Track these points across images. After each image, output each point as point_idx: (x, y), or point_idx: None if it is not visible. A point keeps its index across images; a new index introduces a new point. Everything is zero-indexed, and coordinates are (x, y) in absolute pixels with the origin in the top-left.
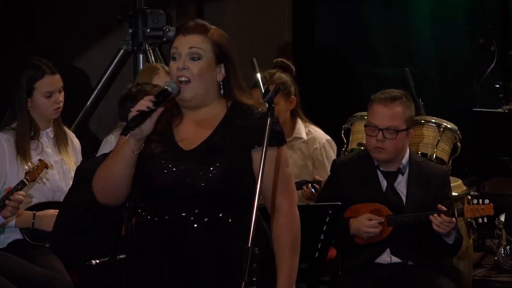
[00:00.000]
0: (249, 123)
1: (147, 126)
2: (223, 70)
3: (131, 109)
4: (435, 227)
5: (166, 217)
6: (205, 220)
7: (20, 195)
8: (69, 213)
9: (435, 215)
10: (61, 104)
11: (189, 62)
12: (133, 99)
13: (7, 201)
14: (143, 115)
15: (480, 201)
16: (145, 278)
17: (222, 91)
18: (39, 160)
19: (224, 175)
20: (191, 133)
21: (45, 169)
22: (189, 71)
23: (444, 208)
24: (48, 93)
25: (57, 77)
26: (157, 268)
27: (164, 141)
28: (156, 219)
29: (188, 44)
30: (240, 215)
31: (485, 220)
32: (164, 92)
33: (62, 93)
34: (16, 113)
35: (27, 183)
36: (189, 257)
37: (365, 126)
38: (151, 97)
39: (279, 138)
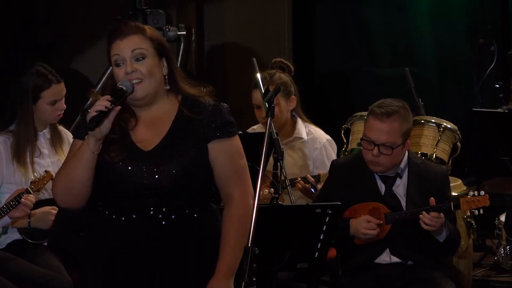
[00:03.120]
0: (202, 117)
1: (105, 126)
2: (165, 63)
3: (89, 110)
4: (423, 225)
5: (133, 216)
6: (172, 217)
7: (29, 200)
8: (67, 212)
9: (424, 213)
10: (63, 111)
11: (136, 64)
12: None
13: (21, 206)
14: (102, 115)
15: (476, 193)
16: (116, 277)
17: (167, 85)
18: (45, 171)
19: (185, 171)
20: (148, 133)
21: (51, 180)
22: (138, 72)
23: (434, 203)
24: (53, 101)
25: (62, 85)
26: (127, 266)
27: (123, 145)
28: (123, 218)
29: (129, 47)
30: (204, 210)
31: (481, 212)
32: (120, 91)
33: (64, 99)
34: (18, 118)
35: (31, 192)
36: (160, 253)
37: (361, 139)
38: (108, 97)
39: (231, 128)
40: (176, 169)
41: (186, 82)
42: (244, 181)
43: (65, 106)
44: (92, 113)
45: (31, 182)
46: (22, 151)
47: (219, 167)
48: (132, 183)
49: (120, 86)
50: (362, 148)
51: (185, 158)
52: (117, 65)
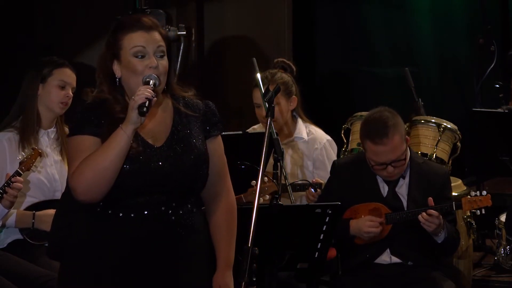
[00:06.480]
0: (198, 113)
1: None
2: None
3: (133, 98)
4: (422, 225)
5: (145, 212)
6: (180, 212)
7: (18, 181)
8: (62, 221)
9: (423, 213)
10: (69, 102)
11: (158, 60)
12: None
13: (6, 188)
14: (150, 102)
15: (478, 193)
16: (127, 274)
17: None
18: (32, 148)
19: (196, 164)
20: (153, 129)
21: (39, 157)
22: (158, 69)
23: (432, 203)
24: (63, 82)
25: (74, 75)
26: (138, 263)
27: (136, 141)
28: (132, 215)
29: (155, 42)
30: (198, 205)
31: (483, 212)
32: (153, 85)
33: (73, 90)
34: (26, 101)
35: (22, 172)
36: (171, 248)
37: (368, 159)
38: (148, 86)
39: (222, 126)
40: (191, 156)
41: (176, 84)
42: (228, 178)
43: (71, 94)
44: (141, 99)
45: (20, 163)
46: (27, 140)
47: (212, 163)
48: (147, 179)
49: (148, 79)
50: (372, 167)
51: (197, 147)
52: (137, 56)
